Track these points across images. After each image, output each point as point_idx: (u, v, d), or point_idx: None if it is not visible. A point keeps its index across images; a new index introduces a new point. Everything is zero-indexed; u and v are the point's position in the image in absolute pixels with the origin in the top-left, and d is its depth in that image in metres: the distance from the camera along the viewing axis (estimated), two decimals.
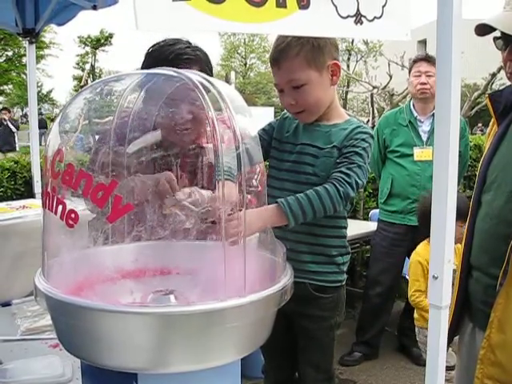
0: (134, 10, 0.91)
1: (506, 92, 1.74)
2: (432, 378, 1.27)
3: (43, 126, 14.49)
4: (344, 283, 1.95)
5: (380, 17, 1.26)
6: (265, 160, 2.08)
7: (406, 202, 3.72)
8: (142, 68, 1.97)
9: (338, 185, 1.70)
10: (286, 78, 1.82)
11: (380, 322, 3.95)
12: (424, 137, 3.75)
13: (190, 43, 2.12)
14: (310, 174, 1.82)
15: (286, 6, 1.11)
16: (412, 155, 3.72)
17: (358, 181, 1.74)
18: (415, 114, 3.82)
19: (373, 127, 6.77)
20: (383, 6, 1.27)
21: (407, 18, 1.33)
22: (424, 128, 3.78)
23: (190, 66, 1.94)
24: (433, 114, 3.71)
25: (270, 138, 1.96)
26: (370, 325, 3.94)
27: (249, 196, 1.33)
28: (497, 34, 1.62)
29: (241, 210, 1.21)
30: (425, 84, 3.74)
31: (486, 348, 1.61)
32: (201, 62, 2.07)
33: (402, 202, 3.74)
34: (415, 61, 3.83)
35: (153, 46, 2.13)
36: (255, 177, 1.33)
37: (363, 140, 1.79)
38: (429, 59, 3.79)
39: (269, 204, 1.85)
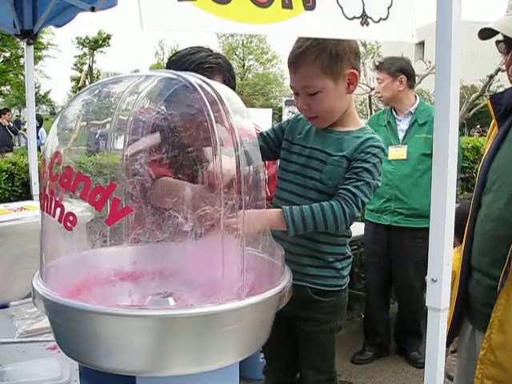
0: (138, 9, 0.90)
1: (506, 94, 1.74)
2: (431, 380, 1.26)
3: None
4: (345, 287, 1.93)
5: (386, 18, 1.26)
6: (270, 159, 2.08)
7: (380, 201, 3.76)
8: None
9: (344, 205, 1.70)
10: (301, 84, 1.80)
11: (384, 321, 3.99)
12: (401, 135, 3.78)
13: (211, 51, 2.10)
14: (316, 179, 1.80)
15: (291, 7, 1.10)
16: (387, 154, 3.75)
17: (364, 199, 1.74)
18: (394, 114, 3.87)
19: None
20: (389, 8, 1.26)
21: (412, 20, 1.32)
22: (402, 127, 3.82)
23: (211, 75, 1.93)
24: (410, 112, 3.79)
25: (277, 139, 1.95)
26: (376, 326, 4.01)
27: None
28: (499, 37, 1.63)
29: (240, 208, 1.21)
30: (378, 92, 3.94)
31: (486, 348, 1.61)
32: (223, 70, 2.06)
33: (378, 201, 3.77)
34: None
35: (174, 55, 2.13)
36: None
37: (374, 155, 1.77)
38: (378, 66, 3.99)
39: (274, 205, 1.87)
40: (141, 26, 0.91)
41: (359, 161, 1.76)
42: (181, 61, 2.03)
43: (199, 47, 2.12)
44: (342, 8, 1.18)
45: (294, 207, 1.71)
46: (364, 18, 1.21)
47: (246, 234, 1.37)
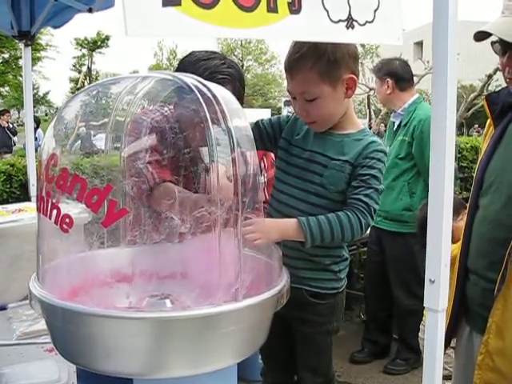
0: (123, 16, 0.90)
1: (502, 93, 1.74)
2: (429, 381, 1.26)
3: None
4: (342, 289, 1.92)
5: (372, 21, 1.25)
6: (259, 149, 2.07)
7: None
8: None
9: (360, 216, 1.70)
10: (299, 90, 1.77)
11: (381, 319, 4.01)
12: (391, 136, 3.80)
13: (225, 58, 2.10)
14: (317, 183, 1.78)
15: (277, 11, 1.10)
16: None
17: (376, 207, 1.74)
18: (391, 117, 3.91)
19: (369, 128, 6.85)
20: (375, 11, 1.26)
21: (399, 23, 1.32)
22: (395, 128, 3.81)
23: (223, 86, 1.93)
24: (399, 114, 3.76)
25: (273, 133, 1.91)
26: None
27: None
28: (494, 38, 1.62)
29: (237, 211, 1.21)
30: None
31: (484, 354, 1.60)
32: (234, 81, 2.05)
33: None
34: None
35: (187, 56, 2.11)
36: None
37: (379, 160, 1.75)
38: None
39: (272, 207, 1.86)
40: (125, 32, 0.90)
41: (365, 167, 1.74)
42: (194, 66, 2.02)
43: (214, 52, 2.11)
44: (327, 11, 1.17)
45: (310, 218, 1.69)
46: (349, 21, 1.21)
47: (261, 244, 1.39)
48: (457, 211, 1.76)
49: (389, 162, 3.62)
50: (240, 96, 2.07)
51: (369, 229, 3.73)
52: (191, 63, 2.04)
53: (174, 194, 1.54)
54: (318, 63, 1.71)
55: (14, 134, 14.34)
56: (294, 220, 1.70)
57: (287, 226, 1.69)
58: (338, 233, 1.69)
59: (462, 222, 1.79)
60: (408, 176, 3.61)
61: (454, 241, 1.36)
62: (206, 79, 1.78)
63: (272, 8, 1.09)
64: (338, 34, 1.21)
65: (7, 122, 13.88)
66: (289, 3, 1.11)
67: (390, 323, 4.01)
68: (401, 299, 3.73)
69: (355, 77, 1.77)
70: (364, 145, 1.77)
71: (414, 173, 3.61)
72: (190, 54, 2.13)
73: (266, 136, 1.91)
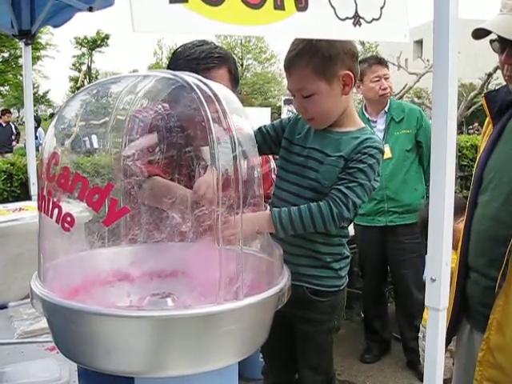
0: (130, 12, 0.90)
1: (501, 92, 1.74)
2: (430, 379, 1.26)
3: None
4: (343, 287, 1.92)
5: (378, 18, 1.25)
6: (265, 154, 2.09)
7: (371, 203, 3.68)
8: (170, 69, 1.95)
9: (333, 205, 1.70)
10: (296, 87, 1.80)
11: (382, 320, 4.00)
12: (380, 135, 3.71)
13: (215, 44, 2.15)
14: (312, 179, 1.79)
15: (283, 8, 1.10)
16: None
17: (357, 201, 1.72)
18: (367, 116, 3.83)
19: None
20: (381, 8, 1.26)
21: (405, 19, 1.32)
22: (379, 127, 3.78)
23: (220, 65, 2.01)
24: (384, 112, 3.77)
25: (276, 136, 1.94)
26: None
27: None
28: (493, 36, 1.62)
29: (237, 213, 1.21)
30: (386, 89, 3.74)
31: (485, 350, 1.61)
32: (229, 61, 2.10)
33: (369, 204, 3.67)
34: (370, 65, 3.79)
35: (180, 47, 2.14)
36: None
37: (371, 156, 1.75)
38: (382, 61, 3.85)
39: (274, 204, 1.86)
40: (132, 28, 0.90)
41: (355, 161, 1.74)
42: (188, 51, 2.05)
43: (203, 40, 2.14)
44: (334, 9, 1.17)
45: (283, 209, 1.71)
46: (356, 19, 1.21)
47: (235, 238, 1.38)
48: (461, 211, 1.75)
49: (397, 159, 3.65)
50: (237, 75, 2.15)
51: (351, 227, 3.75)
52: (186, 49, 2.08)
53: (166, 188, 1.54)
54: (312, 60, 1.73)
55: (16, 134, 14.32)
56: (267, 212, 1.71)
57: (259, 219, 1.67)
58: (308, 222, 1.70)
59: (462, 224, 1.78)
60: (415, 165, 3.69)
61: (454, 245, 1.34)
62: (203, 59, 1.81)
63: (279, 5, 1.09)
64: (344, 32, 1.21)
65: (10, 115, 13.86)
66: (296, 0, 1.11)
67: (388, 320, 4.02)
68: (417, 295, 3.64)
69: (352, 74, 1.78)
70: (359, 141, 1.78)
71: (417, 162, 3.71)
72: (181, 45, 2.16)
73: (269, 139, 1.94)
